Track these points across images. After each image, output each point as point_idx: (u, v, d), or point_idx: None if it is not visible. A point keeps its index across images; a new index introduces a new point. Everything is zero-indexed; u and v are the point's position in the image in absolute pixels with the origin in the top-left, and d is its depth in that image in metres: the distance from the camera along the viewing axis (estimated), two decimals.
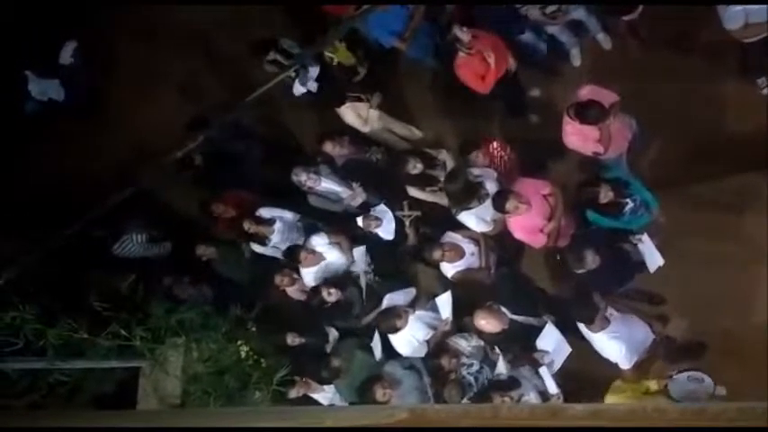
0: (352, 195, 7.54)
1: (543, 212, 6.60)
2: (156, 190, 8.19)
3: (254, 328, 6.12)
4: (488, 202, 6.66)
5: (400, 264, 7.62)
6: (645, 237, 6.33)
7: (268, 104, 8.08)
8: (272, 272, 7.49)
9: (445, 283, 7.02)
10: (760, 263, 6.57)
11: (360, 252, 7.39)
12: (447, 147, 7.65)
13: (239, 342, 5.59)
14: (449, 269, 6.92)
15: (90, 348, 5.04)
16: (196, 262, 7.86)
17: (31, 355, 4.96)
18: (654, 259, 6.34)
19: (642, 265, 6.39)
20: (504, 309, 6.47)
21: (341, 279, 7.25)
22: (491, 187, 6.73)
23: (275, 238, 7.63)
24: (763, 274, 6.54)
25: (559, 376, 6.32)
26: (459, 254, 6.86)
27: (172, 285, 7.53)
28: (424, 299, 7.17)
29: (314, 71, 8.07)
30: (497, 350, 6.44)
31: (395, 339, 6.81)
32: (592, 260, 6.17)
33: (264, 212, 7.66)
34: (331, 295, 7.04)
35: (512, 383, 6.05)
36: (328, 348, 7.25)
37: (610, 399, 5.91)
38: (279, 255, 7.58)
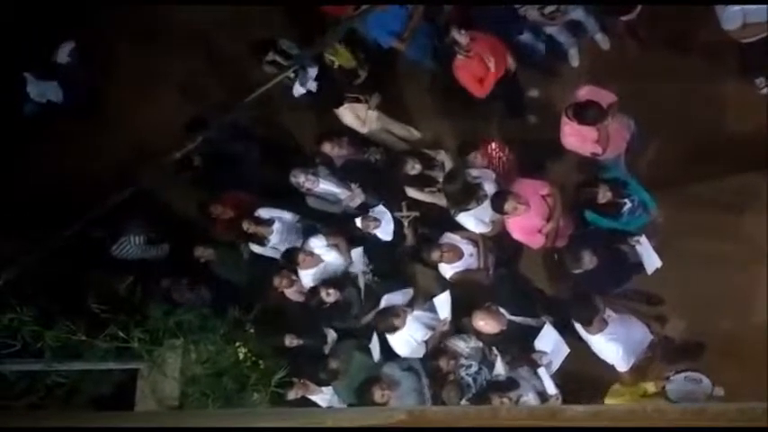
0: (350, 196, 7.54)
1: (542, 213, 6.60)
2: (155, 191, 8.18)
3: (252, 330, 6.10)
4: (487, 204, 6.66)
5: (399, 264, 7.62)
6: (643, 238, 6.33)
7: (267, 105, 8.07)
8: (271, 273, 7.49)
9: (444, 284, 7.02)
10: (759, 263, 6.57)
11: (358, 253, 7.38)
12: (445, 147, 7.65)
13: (237, 344, 5.57)
14: (447, 270, 6.92)
15: (88, 350, 5.02)
16: (194, 263, 7.86)
17: (29, 357, 4.94)
18: (652, 261, 6.33)
19: (640, 266, 6.39)
20: (502, 309, 6.47)
21: (339, 280, 7.25)
22: (489, 188, 6.73)
23: (274, 239, 7.63)
24: (762, 275, 6.53)
25: (558, 377, 6.32)
26: (458, 255, 6.85)
27: (170, 288, 7.52)
28: (422, 299, 7.16)
29: (313, 71, 8.06)
30: (495, 351, 6.44)
31: (393, 340, 6.81)
32: (589, 261, 6.17)
33: (263, 213, 7.66)
34: (329, 296, 7.04)
35: (510, 384, 6.05)
36: (327, 350, 7.25)
37: (608, 403, 5.90)
38: (277, 255, 7.58)
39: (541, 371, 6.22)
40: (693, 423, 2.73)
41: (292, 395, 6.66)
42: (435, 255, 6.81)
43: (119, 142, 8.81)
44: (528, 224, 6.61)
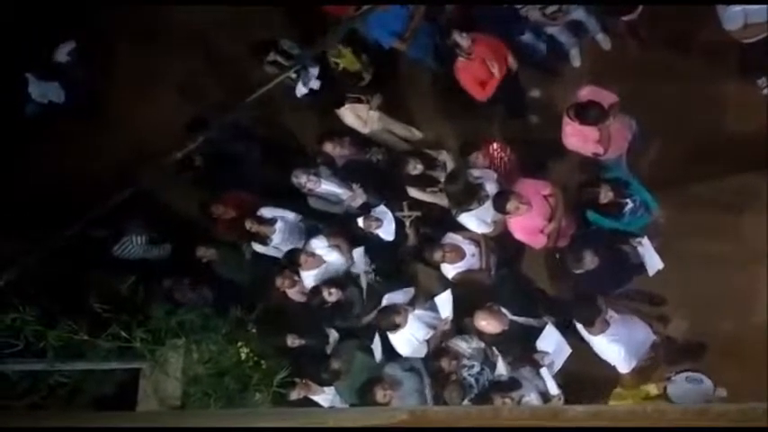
0: (352, 196, 7.54)
1: (544, 213, 6.60)
2: (156, 191, 8.18)
3: (254, 330, 6.10)
4: (488, 204, 6.66)
5: (401, 264, 7.62)
6: (645, 240, 6.33)
7: (268, 105, 8.07)
8: (273, 273, 7.50)
9: (445, 284, 7.02)
10: (760, 263, 6.57)
11: (359, 253, 7.39)
12: (447, 147, 7.65)
13: (239, 344, 5.58)
14: (449, 270, 6.92)
15: (90, 350, 5.03)
16: (196, 263, 7.86)
17: (32, 357, 4.95)
18: (653, 263, 6.33)
19: (641, 267, 6.39)
20: (504, 310, 6.47)
21: (341, 279, 7.26)
22: (491, 189, 6.73)
23: (276, 238, 7.63)
24: (762, 275, 6.54)
25: (560, 377, 6.32)
26: (460, 255, 6.86)
27: (172, 288, 7.53)
28: (424, 298, 7.17)
29: (314, 71, 8.07)
30: (496, 351, 6.44)
31: (395, 339, 6.81)
32: (590, 261, 6.17)
33: (266, 212, 7.67)
34: (331, 295, 7.05)
35: (512, 384, 6.05)
36: (329, 350, 7.25)
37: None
38: (280, 255, 7.58)
39: (543, 371, 6.23)
40: (694, 423, 2.73)
41: (294, 395, 6.67)
42: (438, 255, 6.81)
43: (119, 142, 8.81)
44: (530, 224, 6.62)
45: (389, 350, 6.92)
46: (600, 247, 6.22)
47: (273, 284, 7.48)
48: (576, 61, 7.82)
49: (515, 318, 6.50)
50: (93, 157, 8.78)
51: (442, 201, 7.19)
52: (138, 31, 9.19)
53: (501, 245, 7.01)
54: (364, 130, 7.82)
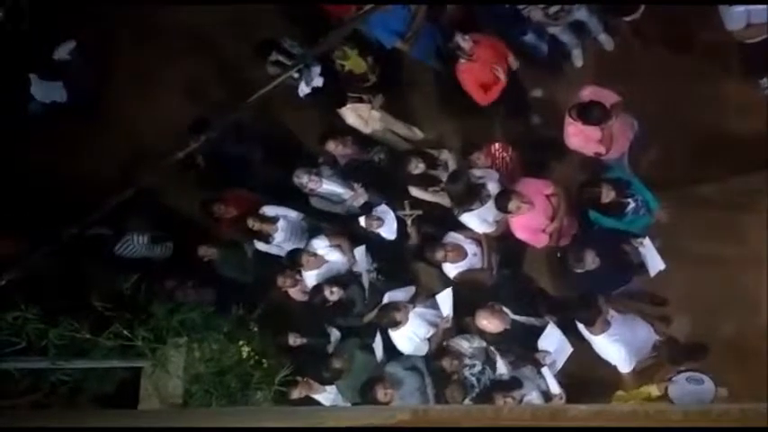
0: (353, 196, 7.54)
1: (546, 212, 6.60)
2: (158, 190, 8.18)
3: (255, 329, 6.11)
4: (490, 203, 6.67)
5: (403, 263, 7.63)
6: (647, 240, 6.32)
7: (270, 105, 8.07)
8: (275, 272, 7.50)
9: (447, 283, 7.02)
10: (761, 263, 6.56)
11: (361, 252, 7.39)
12: (449, 147, 7.66)
13: (241, 342, 5.59)
14: (451, 269, 6.92)
15: (92, 348, 5.05)
16: (198, 262, 7.87)
17: (33, 355, 4.97)
18: (655, 263, 6.32)
19: (642, 267, 6.38)
20: (505, 309, 6.47)
21: (343, 278, 7.26)
22: (493, 188, 6.74)
23: (279, 237, 7.64)
24: (764, 275, 6.53)
25: (562, 376, 6.32)
26: (462, 254, 6.86)
27: (173, 287, 7.53)
28: (425, 296, 7.17)
29: (316, 70, 8.06)
30: (497, 350, 6.44)
31: (396, 336, 6.81)
32: (591, 261, 6.16)
33: (268, 210, 7.68)
34: (333, 294, 7.05)
35: (514, 384, 6.05)
36: (330, 349, 7.25)
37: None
38: (282, 253, 7.59)
39: (545, 370, 6.23)
40: (696, 423, 2.73)
41: (296, 394, 6.66)
42: (439, 254, 6.82)
43: (121, 142, 8.81)
44: (532, 223, 6.62)
45: (391, 349, 6.92)
46: (601, 247, 6.22)
47: (275, 283, 7.49)
48: (579, 61, 7.82)
49: (517, 317, 6.50)
50: (96, 157, 8.78)
51: (443, 200, 7.19)
52: (139, 31, 9.18)
53: (503, 244, 7.01)
54: (366, 129, 7.82)
